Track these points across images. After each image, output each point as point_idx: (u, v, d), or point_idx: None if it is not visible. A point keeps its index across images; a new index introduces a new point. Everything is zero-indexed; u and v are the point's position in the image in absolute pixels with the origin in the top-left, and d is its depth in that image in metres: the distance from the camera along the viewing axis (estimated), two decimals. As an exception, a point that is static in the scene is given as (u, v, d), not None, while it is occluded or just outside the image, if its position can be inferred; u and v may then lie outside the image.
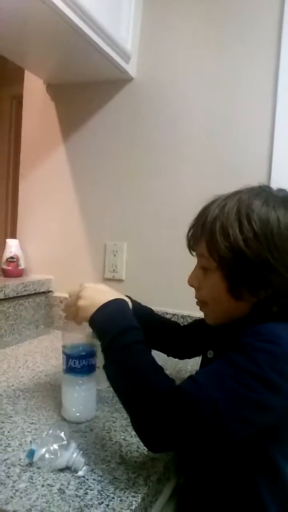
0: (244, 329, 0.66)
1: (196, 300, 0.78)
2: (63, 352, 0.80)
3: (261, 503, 0.65)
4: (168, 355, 1.00)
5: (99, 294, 0.72)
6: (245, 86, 1.22)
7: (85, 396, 0.81)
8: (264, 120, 1.20)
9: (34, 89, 1.53)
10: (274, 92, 1.18)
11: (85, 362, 0.79)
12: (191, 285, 0.77)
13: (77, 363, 0.78)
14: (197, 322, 0.97)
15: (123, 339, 0.64)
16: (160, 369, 0.63)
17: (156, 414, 0.58)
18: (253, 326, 0.65)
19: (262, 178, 1.17)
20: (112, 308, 0.70)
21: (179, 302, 1.29)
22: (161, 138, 1.34)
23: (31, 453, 0.64)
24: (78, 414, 0.81)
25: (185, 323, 1.26)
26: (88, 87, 1.43)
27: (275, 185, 0.75)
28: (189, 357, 1.02)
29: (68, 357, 0.79)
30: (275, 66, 1.18)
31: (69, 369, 0.79)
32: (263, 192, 0.69)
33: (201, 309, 0.78)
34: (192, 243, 0.75)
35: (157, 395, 0.59)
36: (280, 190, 0.71)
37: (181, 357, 1.02)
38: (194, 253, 0.77)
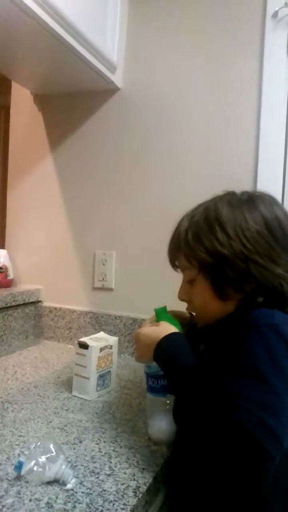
0: (234, 322, 0.69)
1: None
2: (144, 371, 0.79)
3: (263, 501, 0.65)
4: None
5: (148, 338, 0.74)
6: (232, 95, 1.23)
7: (166, 416, 0.76)
8: (250, 127, 1.21)
9: (21, 99, 1.53)
10: (258, 98, 1.20)
11: (163, 382, 0.75)
12: (182, 300, 0.79)
13: (156, 383, 0.76)
14: None
15: (182, 381, 0.66)
16: (213, 397, 0.63)
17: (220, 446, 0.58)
18: (243, 319, 0.67)
19: (248, 184, 1.19)
20: (165, 351, 0.71)
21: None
22: (149, 147, 1.34)
23: (19, 466, 0.63)
24: (160, 435, 0.78)
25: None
26: (75, 98, 1.44)
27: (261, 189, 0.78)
28: None
29: (147, 376, 0.78)
30: (259, 75, 1.19)
31: (150, 389, 0.78)
32: (226, 196, 0.74)
33: (193, 316, 0.81)
34: (173, 260, 0.79)
35: (216, 427, 0.58)
36: (243, 193, 0.76)
37: None
38: (178, 270, 0.80)
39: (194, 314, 0.81)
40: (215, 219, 0.69)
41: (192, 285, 0.75)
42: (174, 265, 0.80)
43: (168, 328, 0.76)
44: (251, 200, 0.72)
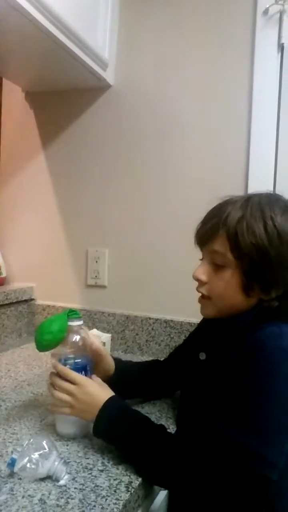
0: (241, 333, 0.69)
1: (196, 293, 0.79)
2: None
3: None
4: (146, 400, 0.96)
5: (87, 405, 0.73)
6: (223, 92, 1.24)
7: None
8: (242, 124, 1.22)
9: (12, 97, 1.53)
10: (249, 95, 1.21)
11: None
12: (198, 279, 0.76)
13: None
14: (177, 352, 0.99)
15: (133, 447, 0.69)
16: (187, 440, 0.65)
17: (209, 481, 0.60)
18: (251, 333, 0.67)
19: (240, 184, 1.20)
20: (106, 420, 0.71)
21: (161, 306, 1.30)
22: (140, 144, 1.34)
23: (12, 463, 0.64)
24: (69, 431, 0.78)
25: (168, 329, 1.27)
26: (66, 95, 1.44)
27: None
28: (170, 396, 0.98)
29: None
30: (250, 72, 1.20)
31: None
32: (280, 200, 0.73)
33: (201, 301, 0.78)
34: (206, 239, 0.76)
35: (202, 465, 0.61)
36: None
37: (160, 396, 0.98)
38: (203, 250, 0.78)
39: (203, 295, 0.78)
40: (270, 217, 0.69)
41: (218, 269, 0.73)
42: (203, 244, 0.77)
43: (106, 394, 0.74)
44: None
